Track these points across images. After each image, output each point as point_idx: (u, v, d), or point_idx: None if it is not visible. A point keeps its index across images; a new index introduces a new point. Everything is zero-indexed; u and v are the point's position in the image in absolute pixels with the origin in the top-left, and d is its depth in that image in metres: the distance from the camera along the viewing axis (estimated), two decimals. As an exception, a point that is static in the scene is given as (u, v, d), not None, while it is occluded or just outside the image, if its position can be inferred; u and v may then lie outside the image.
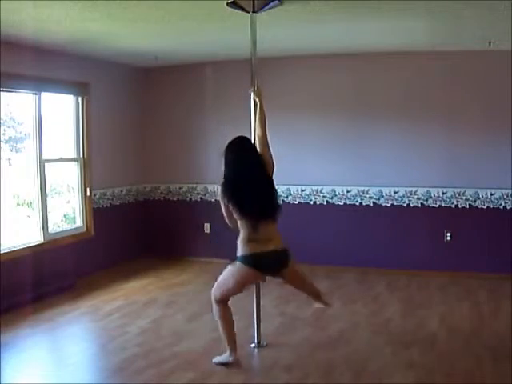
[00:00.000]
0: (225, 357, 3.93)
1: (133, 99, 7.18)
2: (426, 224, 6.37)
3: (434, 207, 6.34)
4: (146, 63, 6.92)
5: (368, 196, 6.55)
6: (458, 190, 6.25)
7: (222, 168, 3.83)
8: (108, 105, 6.68)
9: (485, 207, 6.19)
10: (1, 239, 5.21)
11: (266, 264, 3.75)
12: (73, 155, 6.29)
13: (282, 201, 6.85)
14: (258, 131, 3.97)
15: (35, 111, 5.64)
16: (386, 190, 6.49)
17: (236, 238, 3.81)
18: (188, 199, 7.27)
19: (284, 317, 5.03)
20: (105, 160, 6.61)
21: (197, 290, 5.85)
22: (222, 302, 3.87)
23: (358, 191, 6.57)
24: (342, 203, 6.65)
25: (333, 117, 6.62)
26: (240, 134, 3.96)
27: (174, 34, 5.15)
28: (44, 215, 5.78)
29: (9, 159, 5.62)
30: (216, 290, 3.88)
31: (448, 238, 6.30)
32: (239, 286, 3.82)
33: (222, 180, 3.82)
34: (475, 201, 6.21)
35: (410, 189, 6.40)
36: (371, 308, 5.25)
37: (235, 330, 3.93)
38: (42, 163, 5.72)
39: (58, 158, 6.14)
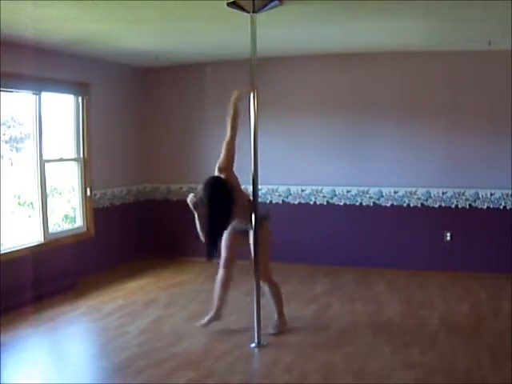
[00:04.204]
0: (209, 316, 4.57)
1: (133, 99, 7.18)
2: (426, 224, 6.37)
3: (433, 207, 6.34)
4: (146, 63, 6.92)
5: (368, 196, 6.55)
6: (458, 190, 6.25)
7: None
8: (108, 105, 6.68)
9: (485, 207, 6.19)
10: (1, 239, 5.21)
11: None
12: (73, 155, 6.30)
13: (283, 201, 6.87)
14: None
15: (35, 111, 5.64)
16: (385, 190, 6.49)
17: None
18: (188, 199, 7.25)
19: (284, 317, 5.03)
20: (105, 160, 6.61)
21: (196, 290, 5.85)
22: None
23: (358, 191, 6.58)
24: (341, 203, 6.65)
25: (333, 117, 6.62)
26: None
27: (174, 34, 5.16)
28: (44, 215, 5.78)
29: (10, 159, 5.63)
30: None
31: (448, 238, 6.30)
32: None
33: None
34: (475, 201, 6.21)
35: (409, 189, 6.40)
36: (371, 308, 5.25)
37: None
38: (42, 163, 5.72)
39: (58, 158, 6.14)
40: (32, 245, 5.60)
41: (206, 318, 4.66)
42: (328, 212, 6.70)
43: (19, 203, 5.89)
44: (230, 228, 4.42)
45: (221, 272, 4.63)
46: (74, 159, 6.31)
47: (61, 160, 6.20)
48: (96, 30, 4.82)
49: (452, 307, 5.22)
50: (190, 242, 7.31)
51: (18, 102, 5.63)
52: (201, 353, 4.20)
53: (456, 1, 3.91)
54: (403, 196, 6.44)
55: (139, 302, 5.53)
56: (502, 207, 6.13)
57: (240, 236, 4.52)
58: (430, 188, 6.35)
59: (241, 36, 4.45)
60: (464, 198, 6.24)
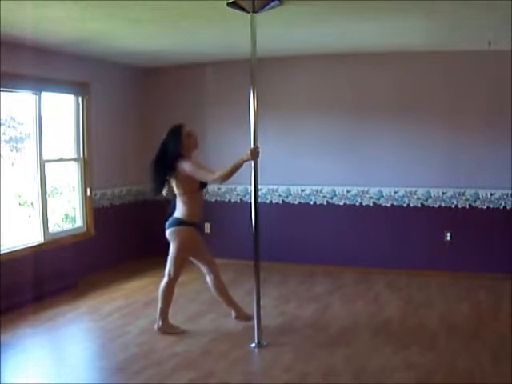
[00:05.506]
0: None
1: (133, 99, 7.18)
2: (426, 224, 6.37)
3: (433, 207, 6.34)
4: (146, 63, 6.92)
5: (368, 196, 6.55)
6: (458, 190, 6.25)
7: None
8: (108, 105, 6.68)
9: (485, 207, 6.19)
10: (1, 239, 5.21)
11: None
12: (73, 155, 6.30)
13: (283, 201, 6.86)
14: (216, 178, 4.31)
15: (35, 111, 5.64)
16: (386, 190, 6.49)
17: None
18: (188, 199, 7.25)
19: (284, 317, 5.03)
20: (105, 160, 6.61)
21: (197, 290, 5.84)
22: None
23: (358, 191, 6.57)
24: (342, 203, 6.65)
25: (333, 117, 6.62)
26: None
27: (174, 34, 5.16)
28: (44, 215, 5.78)
29: (10, 159, 5.63)
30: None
31: (448, 238, 6.30)
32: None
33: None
34: (475, 201, 6.21)
35: (409, 189, 6.40)
36: (371, 308, 5.25)
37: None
38: (42, 163, 5.72)
39: (58, 157, 6.14)
40: (32, 245, 5.60)
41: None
42: (328, 212, 6.70)
43: (19, 203, 5.89)
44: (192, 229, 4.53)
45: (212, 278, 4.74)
46: (74, 159, 6.31)
47: (61, 160, 6.20)
48: (96, 29, 4.82)
49: (452, 307, 5.22)
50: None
51: (18, 102, 5.63)
52: (201, 353, 4.20)
53: (456, 1, 3.91)
54: (403, 196, 6.44)
55: (139, 301, 5.53)
56: (502, 207, 6.13)
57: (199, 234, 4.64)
58: (430, 188, 6.34)
59: (241, 36, 4.45)
60: (464, 198, 6.24)
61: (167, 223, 4.58)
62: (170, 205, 4.71)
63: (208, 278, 4.73)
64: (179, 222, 4.49)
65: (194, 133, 4.56)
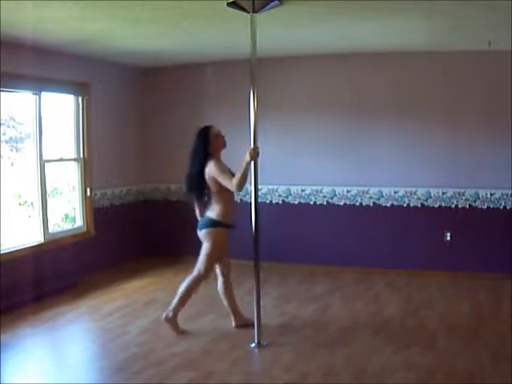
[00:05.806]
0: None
1: (133, 99, 7.18)
2: (426, 224, 6.36)
3: (433, 207, 6.34)
4: (146, 63, 6.92)
5: (368, 196, 6.55)
6: (458, 190, 6.25)
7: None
8: (108, 105, 6.68)
9: (485, 207, 6.19)
10: (1, 239, 5.21)
11: None
12: (73, 155, 6.30)
13: (283, 201, 6.86)
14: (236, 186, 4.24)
15: (35, 111, 5.64)
16: (386, 190, 6.49)
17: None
18: (188, 199, 7.25)
19: (284, 317, 5.03)
20: (105, 160, 6.61)
21: (198, 290, 5.84)
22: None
23: (358, 191, 6.57)
24: (342, 203, 6.65)
25: (333, 116, 6.62)
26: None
27: (175, 33, 5.16)
28: (44, 215, 5.78)
29: (10, 159, 5.63)
30: None
31: (448, 238, 6.30)
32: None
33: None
34: (475, 201, 6.21)
35: (409, 189, 6.40)
36: (371, 308, 5.25)
37: None
38: (42, 163, 5.72)
39: (58, 157, 6.14)
40: (32, 245, 5.60)
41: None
42: (328, 212, 6.69)
43: (19, 203, 5.90)
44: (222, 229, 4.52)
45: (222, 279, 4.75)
46: (74, 159, 6.31)
47: (61, 160, 6.20)
48: (96, 29, 4.82)
49: (452, 307, 5.22)
50: (189, 242, 7.31)
51: (18, 102, 5.63)
52: (201, 353, 4.20)
53: (456, 1, 3.91)
54: (403, 196, 6.43)
55: (139, 301, 5.53)
56: (502, 207, 6.13)
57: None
58: (429, 188, 6.34)
59: (241, 36, 4.45)
60: (464, 198, 6.24)
61: (201, 223, 4.59)
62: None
63: (219, 280, 4.74)
64: (213, 223, 4.49)
65: (221, 133, 4.56)
